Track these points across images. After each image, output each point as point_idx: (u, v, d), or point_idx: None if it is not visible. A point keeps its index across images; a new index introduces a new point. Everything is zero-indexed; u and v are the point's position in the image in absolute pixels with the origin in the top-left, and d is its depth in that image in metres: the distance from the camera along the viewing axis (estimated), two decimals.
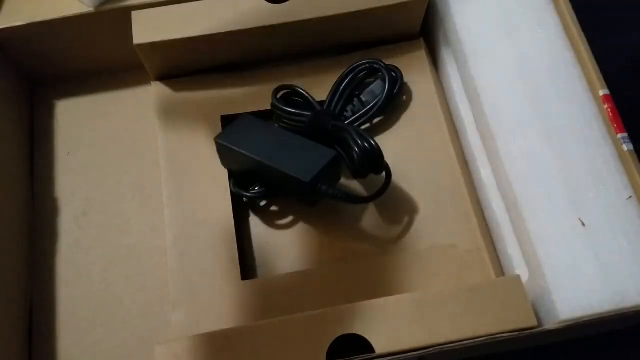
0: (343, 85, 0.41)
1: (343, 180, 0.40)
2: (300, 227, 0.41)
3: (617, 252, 0.33)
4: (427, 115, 0.43)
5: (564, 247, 0.34)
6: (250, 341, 0.32)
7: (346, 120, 0.41)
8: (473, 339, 0.32)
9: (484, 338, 0.32)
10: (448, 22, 0.43)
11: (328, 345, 0.32)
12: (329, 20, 0.40)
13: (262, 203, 0.41)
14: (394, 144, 0.42)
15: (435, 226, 0.40)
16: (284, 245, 0.40)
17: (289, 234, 0.41)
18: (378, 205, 0.40)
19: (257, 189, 0.39)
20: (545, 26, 0.40)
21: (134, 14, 0.40)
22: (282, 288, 0.37)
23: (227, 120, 0.42)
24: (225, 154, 0.39)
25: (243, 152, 0.37)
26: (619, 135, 0.37)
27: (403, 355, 0.33)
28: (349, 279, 0.37)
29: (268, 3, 0.40)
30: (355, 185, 0.41)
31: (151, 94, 0.43)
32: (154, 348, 0.32)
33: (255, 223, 0.41)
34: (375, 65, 0.42)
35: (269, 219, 0.41)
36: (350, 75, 0.42)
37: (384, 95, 0.41)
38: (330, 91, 0.42)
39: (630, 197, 0.35)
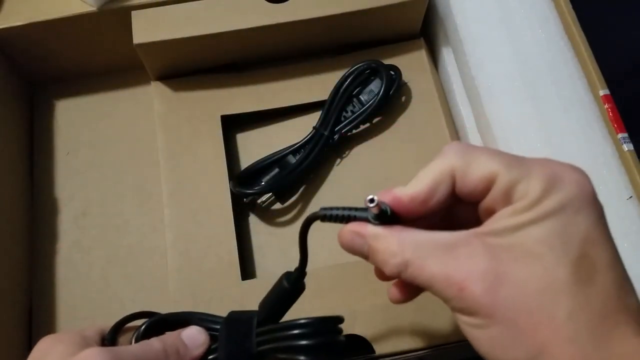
0: (344, 86, 0.41)
1: None
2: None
3: None
4: (427, 115, 0.43)
5: None
6: None
7: (345, 121, 0.41)
8: None
9: None
10: (448, 22, 0.43)
11: None
12: (329, 20, 0.40)
13: (263, 203, 0.41)
14: (394, 144, 0.43)
15: None
16: (284, 245, 0.40)
17: (289, 234, 0.41)
18: None
19: (256, 188, 0.40)
20: (546, 26, 0.40)
21: (134, 13, 0.40)
22: None
23: (227, 120, 0.42)
24: None
25: None
26: (619, 135, 0.37)
27: (403, 356, 0.33)
28: (349, 279, 0.37)
29: (268, 3, 0.40)
30: None
31: (151, 94, 0.43)
32: None
33: (255, 223, 0.41)
34: (373, 65, 0.42)
35: (269, 219, 0.41)
36: (352, 76, 0.42)
37: (380, 94, 0.41)
38: (332, 92, 0.42)
39: (631, 197, 0.35)
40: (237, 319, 0.28)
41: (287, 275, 0.28)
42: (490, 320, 0.22)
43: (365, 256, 0.25)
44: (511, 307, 0.21)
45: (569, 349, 0.21)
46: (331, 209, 0.26)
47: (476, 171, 0.23)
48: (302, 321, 0.26)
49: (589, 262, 0.21)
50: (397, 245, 0.24)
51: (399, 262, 0.24)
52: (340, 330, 0.28)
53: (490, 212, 0.23)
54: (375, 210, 0.24)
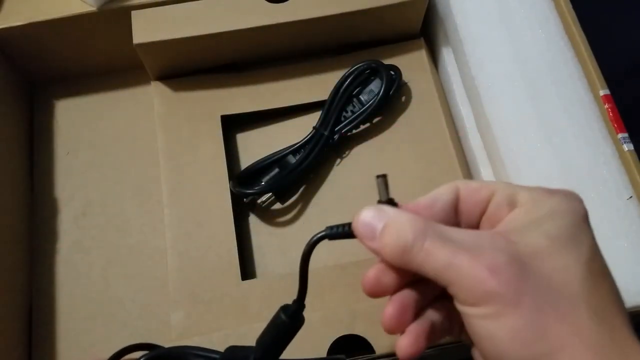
0: (344, 86, 0.41)
1: None
2: (300, 227, 0.41)
3: (617, 252, 0.33)
4: (427, 115, 0.43)
5: None
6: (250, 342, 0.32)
7: (345, 121, 0.41)
8: None
9: None
10: (448, 22, 0.43)
11: (328, 345, 0.32)
12: (329, 20, 0.40)
13: (263, 203, 0.41)
14: (394, 144, 0.43)
15: None
16: (284, 245, 0.40)
17: (289, 234, 0.41)
18: None
19: (256, 188, 0.40)
20: (546, 26, 0.40)
21: (134, 13, 0.40)
22: (282, 288, 0.37)
23: (227, 120, 0.42)
24: None
25: None
26: (619, 135, 0.37)
27: None
28: (349, 279, 0.37)
29: (268, 3, 0.40)
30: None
31: (151, 94, 0.43)
32: None
33: (255, 223, 0.41)
34: (373, 65, 0.42)
35: (269, 219, 0.41)
36: (352, 76, 0.42)
37: (380, 94, 0.41)
38: (332, 92, 0.42)
39: (631, 197, 0.35)
40: (233, 357, 0.27)
41: (284, 308, 0.26)
42: (516, 309, 0.21)
43: (374, 237, 0.24)
44: (539, 296, 0.21)
45: (588, 348, 0.21)
46: (337, 226, 0.26)
47: (477, 184, 0.25)
48: None
49: (597, 265, 0.23)
50: (423, 222, 0.23)
51: (420, 230, 0.23)
52: None
53: (494, 222, 0.25)
54: (384, 197, 0.25)
